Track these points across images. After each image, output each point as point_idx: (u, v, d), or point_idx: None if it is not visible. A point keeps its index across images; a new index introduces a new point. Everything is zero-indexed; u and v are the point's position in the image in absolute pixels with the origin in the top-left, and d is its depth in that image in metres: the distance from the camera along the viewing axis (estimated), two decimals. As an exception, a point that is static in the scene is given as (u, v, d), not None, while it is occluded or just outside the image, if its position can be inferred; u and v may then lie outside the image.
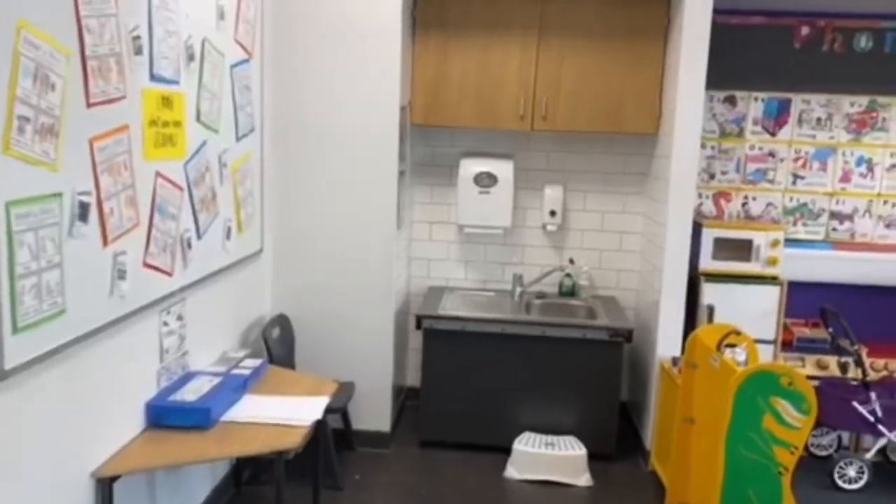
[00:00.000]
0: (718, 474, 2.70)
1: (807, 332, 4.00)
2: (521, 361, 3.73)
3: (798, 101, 4.05)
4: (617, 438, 3.87)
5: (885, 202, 4.07)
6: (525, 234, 4.31)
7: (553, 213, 4.19)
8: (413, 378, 4.31)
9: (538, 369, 3.72)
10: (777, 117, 4.07)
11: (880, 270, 4.08)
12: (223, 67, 2.94)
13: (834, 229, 4.12)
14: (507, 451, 3.62)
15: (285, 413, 2.64)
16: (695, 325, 3.83)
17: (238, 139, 3.13)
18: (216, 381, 2.71)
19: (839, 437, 3.87)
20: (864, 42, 3.97)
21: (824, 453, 3.83)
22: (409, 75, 3.84)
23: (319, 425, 2.75)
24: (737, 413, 2.66)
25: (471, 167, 4.08)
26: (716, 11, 4.00)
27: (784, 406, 2.64)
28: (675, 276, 3.60)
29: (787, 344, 3.99)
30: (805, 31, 3.99)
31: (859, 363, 3.58)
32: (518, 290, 4.14)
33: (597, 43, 3.80)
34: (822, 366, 3.86)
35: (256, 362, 2.98)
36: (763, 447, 2.66)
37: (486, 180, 4.07)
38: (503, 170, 4.07)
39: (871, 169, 4.06)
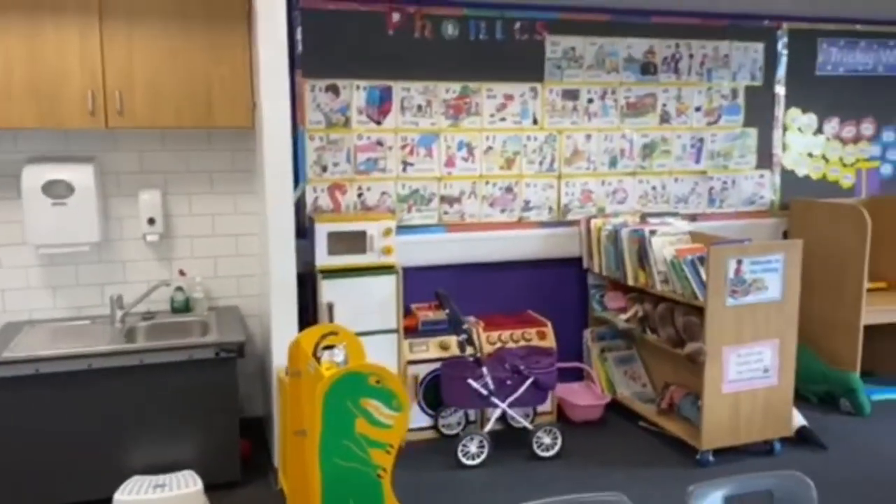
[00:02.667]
0: (316, 490, 2.50)
1: (430, 315, 4.05)
2: (117, 398, 3.20)
3: (398, 89, 4.06)
4: (247, 460, 3.56)
5: (487, 183, 4.28)
6: (124, 248, 3.75)
7: (152, 221, 3.69)
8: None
9: (140, 403, 3.23)
10: (380, 105, 4.04)
11: (489, 248, 4.29)
12: None
13: (446, 212, 4.23)
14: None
15: None
16: (317, 326, 3.65)
17: None
18: None
19: (466, 415, 3.99)
20: (451, 29, 4.09)
21: (453, 432, 3.92)
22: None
23: None
24: (328, 421, 2.47)
25: (38, 175, 3.41)
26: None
27: (375, 406, 2.51)
28: (283, 277, 3.35)
29: (413, 329, 4.00)
30: (396, 17, 4.00)
31: (469, 342, 3.68)
32: (119, 313, 3.58)
33: (174, 29, 3.38)
34: (444, 347, 3.93)
35: None
36: (359, 453, 2.51)
37: (59, 189, 3.42)
38: (81, 176, 3.46)
39: (471, 152, 4.22)
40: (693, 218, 4.66)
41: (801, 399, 4.45)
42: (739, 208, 4.78)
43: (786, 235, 4.81)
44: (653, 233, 3.88)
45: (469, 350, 3.70)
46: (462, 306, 4.29)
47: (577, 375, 4.50)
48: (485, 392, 3.65)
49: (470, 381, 3.64)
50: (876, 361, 4.92)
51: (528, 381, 3.69)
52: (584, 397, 4.27)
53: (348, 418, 2.48)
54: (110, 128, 3.37)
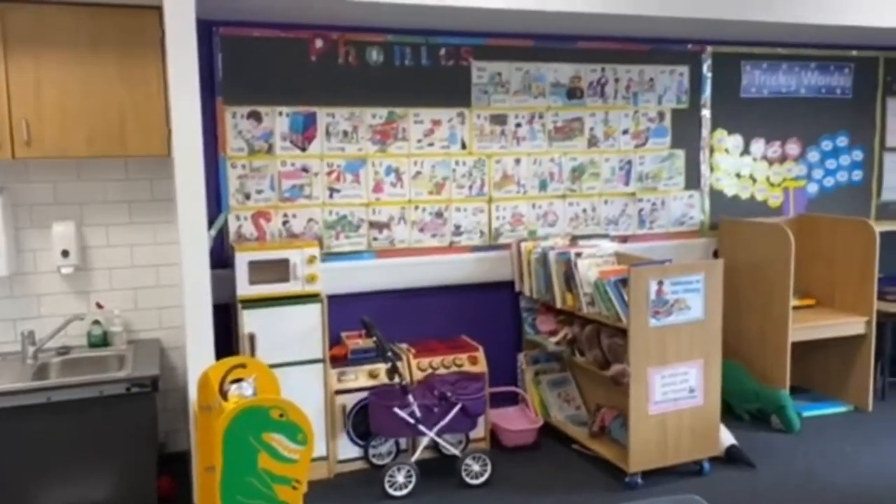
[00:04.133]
0: (219, 531, 2.42)
1: (360, 343, 3.99)
2: (26, 437, 3.07)
3: (323, 115, 4.03)
4: (169, 497, 3.45)
5: (416, 208, 4.25)
6: (38, 282, 3.63)
7: (66, 254, 3.59)
8: None
9: (50, 442, 3.10)
10: (304, 131, 4.00)
11: (420, 273, 4.26)
12: None
13: (375, 238, 4.19)
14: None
15: None
16: (238, 357, 3.56)
17: None
18: None
19: (397, 443, 3.93)
20: (375, 55, 4.08)
21: (383, 462, 3.85)
22: None
23: None
24: (229, 457, 2.40)
25: (-58, 208, 3.30)
26: (233, 24, 3.82)
27: (279, 440, 2.45)
28: (198, 308, 3.26)
29: (343, 358, 3.94)
30: (319, 44, 3.98)
31: (394, 369, 3.63)
32: (31, 349, 3.45)
33: (85, 56, 3.32)
34: (373, 375, 3.87)
35: None
36: (263, 489, 2.44)
37: (-36, 223, 3.31)
38: (-12, 208, 3.36)
39: (399, 178, 4.20)
40: (624, 239, 4.70)
41: (733, 417, 4.49)
42: (670, 229, 4.83)
43: (716, 255, 4.87)
44: (579, 255, 3.89)
45: (396, 378, 3.65)
46: (394, 333, 4.27)
47: (513, 399, 4.47)
48: (412, 420, 3.60)
49: (396, 409, 3.58)
50: (809, 377, 4.99)
51: (456, 408, 3.64)
52: (517, 422, 4.23)
53: (250, 454, 2.41)
54: (17, 158, 3.27)
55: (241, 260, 3.62)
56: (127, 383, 3.17)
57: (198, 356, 3.26)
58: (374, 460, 3.88)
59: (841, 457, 3.96)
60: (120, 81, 3.37)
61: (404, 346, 4.15)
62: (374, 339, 3.71)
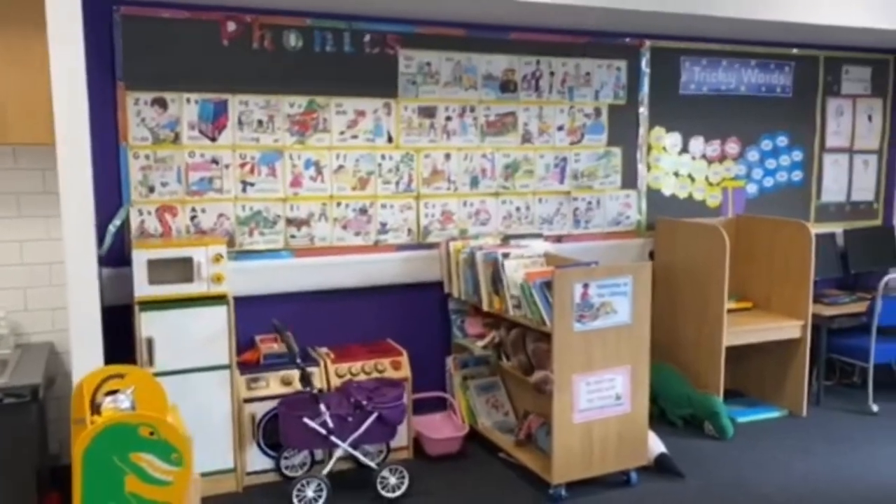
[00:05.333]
0: (79, 562, 2.17)
1: (274, 348, 3.75)
2: None
3: (235, 103, 3.77)
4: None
5: (339, 204, 4.02)
6: (-88, 280, 3.31)
7: (-58, 250, 3.28)
8: None
9: (-90, 459, 2.81)
10: (215, 120, 3.74)
11: (343, 273, 4.03)
12: None
13: (293, 236, 3.94)
14: None
15: None
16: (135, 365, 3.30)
17: None
18: None
19: (312, 454, 3.69)
20: (293, 41, 3.84)
21: (297, 474, 3.61)
22: None
23: None
24: (89, 482, 2.15)
25: None
26: (136, 3, 3.54)
27: (149, 460, 2.20)
28: (84, 311, 2.98)
29: (255, 363, 3.69)
30: (232, 27, 3.72)
31: (305, 377, 3.41)
32: None
33: (-39, 32, 3.02)
34: (286, 382, 3.63)
35: None
36: (130, 515, 2.19)
37: None
38: None
39: (320, 172, 3.96)
40: (558, 239, 4.54)
41: (667, 423, 4.36)
42: (605, 229, 4.68)
43: (652, 256, 4.74)
44: (506, 256, 3.71)
45: (307, 385, 3.42)
46: (314, 337, 4.04)
47: (442, 405, 4.27)
48: (323, 431, 3.37)
49: (306, 419, 3.35)
50: (745, 382, 4.90)
51: (372, 417, 3.43)
52: (442, 429, 4.04)
53: (115, 476, 2.16)
54: None
55: (140, 258, 3.34)
56: (2, 393, 2.88)
57: (84, 362, 2.98)
58: (287, 472, 3.65)
59: (772, 464, 3.85)
60: (2, 63, 3.08)
61: (324, 350, 3.92)
62: (285, 343, 3.47)
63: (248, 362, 3.72)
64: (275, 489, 3.55)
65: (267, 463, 3.64)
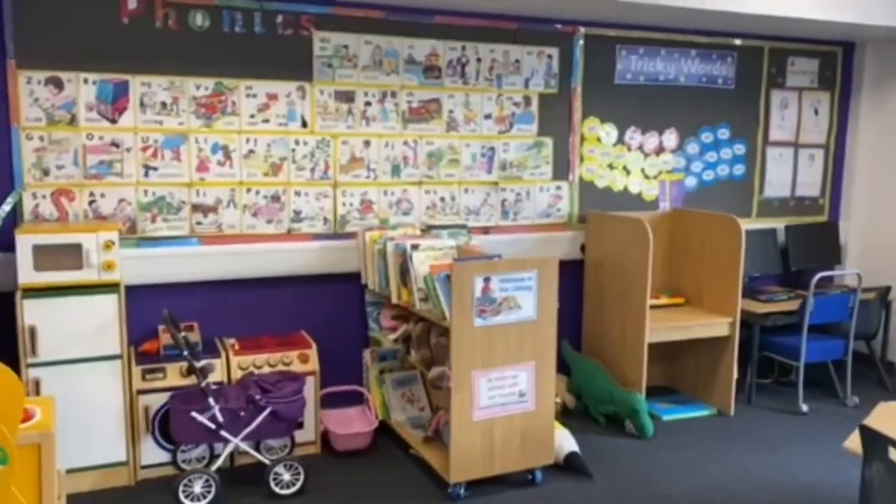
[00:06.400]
0: None
1: (186, 337, 3.62)
2: None
3: (137, 84, 3.63)
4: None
5: (249, 190, 3.90)
6: None
7: None
8: None
9: None
10: (114, 102, 3.60)
11: (253, 262, 3.91)
12: None
13: (199, 223, 3.82)
14: None
15: None
16: (17, 355, 3.18)
17: None
18: None
19: (211, 448, 3.59)
20: (200, 20, 3.70)
21: (196, 468, 3.50)
22: None
23: None
24: None
25: None
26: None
27: (-28, 458, 2.09)
28: (-50, 298, 2.87)
29: (155, 354, 3.58)
30: (133, 4, 3.57)
31: (193, 369, 3.29)
32: None
33: None
34: (184, 374, 3.51)
35: None
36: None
37: None
38: None
39: (228, 156, 3.83)
40: (485, 231, 4.42)
41: (590, 420, 4.27)
42: (535, 221, 4.56)
43: (583, 249, 4.63)
44: (415, 247, 3.59)
45: (205, 379, 3.31)
46: (225, 327, 3.94)
47: (360, 399, 4.17)
48: (212, 426, 3.26)
49: (194, 413, 3.24)
50: (678, 378, 4.81)
51: (265, 413, 3.31)
52: (351, 424, 3.94)
53: (-68, 474, 2.05)
54: None
55: (24, 243, 3.20)
56: None
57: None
58: (185, 466, 3.54)
59: (686, 465, 3.76)
60: None
61: (232, 342, 3.80)
62: (171, 334, 3.35)
63: (149, 353, 3.61)
64: (170, 483, 3.44)
65: (164, 456, 3.54)
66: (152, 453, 3.51)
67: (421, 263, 3.54)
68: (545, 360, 3.42)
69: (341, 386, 4.08)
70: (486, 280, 3.23)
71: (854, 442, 2.40)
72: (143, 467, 3.51)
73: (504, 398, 3.36)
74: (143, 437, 3.48)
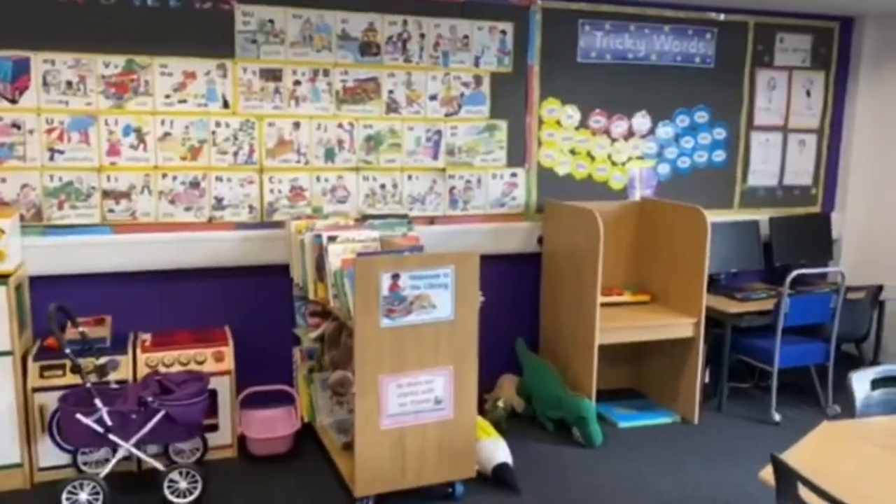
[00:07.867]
0: None
1: (85, 332, 3.41)
2: None
3: (39, 61, 3.40)
4: None
5: (165, 176, 3.65)
6: None
7: None
8: None
9: None
10: (14, 80, 3.38)
11: (171, 252, 3.67)
12: None
13: (111, 210, 3.59)
14: None
15: None
16: None
17: None
18: None
19: (114, 449, 3.35)
20: (107, -7, 3.45)
21: (97, 471, 3.28)
22: None
23: None
24: None
25: None
26: None
27: None
28: None
29: (59, 349, 3.36)
30: (32, -25, 3.34)
31: (76, 368, 3.06)
32: None
33: None
34: (87, 370, 3.29)
35: None
36: None
37: None
38: None
39: (142, 139, 3.59)
40: (431, 221, 4.12)
41: (537, 426, 3.96)
42: (488, 210, 4.24)
43: (540, 241, 4.29)
44: (332, 239, 3.30)
45: (102, 377, 3.09)
46: (141, 321, 3.71)
47: (290, 399, 3.92)
48: (100, 429, 3.03)
49: (79, 415, 3.01)
50: (645, 382, 4.46)
51: (158, 416, 3.07)
52: (273, 427, 3.68)
53: None
54: None
55: None
56: None
57: None
58: (86, 468, 3.33)
59: (633, 479, 3.43)
60: None
61: (145, 337, 3.58)
62: (51, 329, 3.11)
63: (53, 348, 3.39)
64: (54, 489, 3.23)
65: (64, 458, 3.33)
66: (52, 454, 3.31)
67: (336, 257, 3.25)
68: (465, 364, 3.12)
69: (269, 385, 3.84)
70: (395, 277, 2.94)
71: (769, 473, 2.06)
72: (42, 469, 3.31)
73: (417, 405, 3.06)
74: (41, 438, 3.28)
